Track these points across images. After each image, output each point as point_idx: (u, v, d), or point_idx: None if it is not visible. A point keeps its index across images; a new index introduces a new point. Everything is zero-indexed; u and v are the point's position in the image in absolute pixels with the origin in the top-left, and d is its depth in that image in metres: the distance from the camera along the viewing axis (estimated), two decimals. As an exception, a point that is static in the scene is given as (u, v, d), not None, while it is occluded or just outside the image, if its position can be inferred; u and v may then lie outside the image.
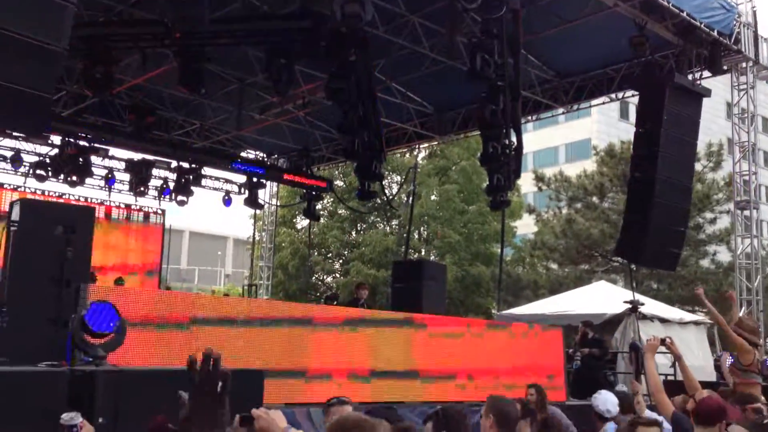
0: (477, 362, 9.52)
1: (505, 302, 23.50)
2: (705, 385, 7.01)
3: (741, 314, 13.72)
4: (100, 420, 4.94)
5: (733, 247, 18.99)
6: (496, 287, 24.37)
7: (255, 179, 17.80)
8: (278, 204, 24.54)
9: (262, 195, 19.07)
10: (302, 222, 29.55)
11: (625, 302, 13.65)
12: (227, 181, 19.62)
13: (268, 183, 19.53)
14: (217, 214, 44.96)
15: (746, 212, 15.30)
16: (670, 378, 11.07)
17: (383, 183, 15.42)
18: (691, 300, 25.02)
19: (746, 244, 15.31)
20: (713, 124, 35.38)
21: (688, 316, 16.58)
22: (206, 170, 17.99)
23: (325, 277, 32.06)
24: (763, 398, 6.71)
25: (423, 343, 9.00)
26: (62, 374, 4.90)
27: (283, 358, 7.58)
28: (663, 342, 5.60)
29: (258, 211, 21.03)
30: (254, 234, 27.04)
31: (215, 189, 19.58)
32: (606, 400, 5.97)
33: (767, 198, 50.67)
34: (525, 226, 32.91)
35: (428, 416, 4.25)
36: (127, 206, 19.19)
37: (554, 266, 28.64)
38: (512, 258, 30.23)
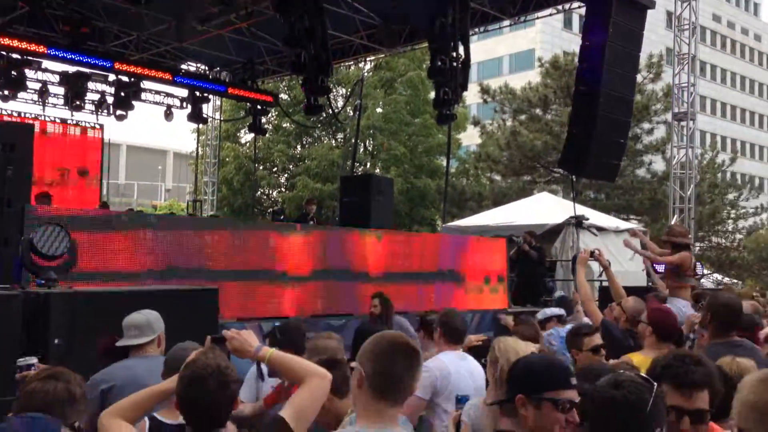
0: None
1: (449, 214, 23.93)
2: (637, 290, 7.39)
3: (672, 222, 14.45)
4: (56, 341, 4.97)
5: (669, 156, 19.64)
6: (441, 199, 24.70)
7: (198, 93, 17.29)
8: (222, 118, 24.04)
9: (206, 109, 18.60)
10: (246, 136, 29.09)
11: (572, 217, 14.10)
12: (168, 95, 19.02)
13: (212, 97, 19.03)
14: (156, 128, 43.52)
15: (683, 123, 15.77)
16: (605, 284, 11.64)
17: (329, 96, 15.13)
18: (626, 209, 26.03)
19: (682, 154, 15.87)
20: (653, 34, 35.64)
21: (623, 224, 17.24)
22: (146, 83, 17.34)
23: (270, 191, 31.96)
24: (691, 299, 7.17)
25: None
26: (16, 297, 4.87)
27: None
28: (592, 254, 5.90)
29: (201, 126, 20.54)
30: (197, 149, 26.52)
31: (156, 103, 18.99)
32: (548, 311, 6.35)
33: (701, 107, 52.14)
34: (469, 138, 33.14)
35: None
36: (63, 121, 18.53)
37: (498, 178, 29.12)
38: (456, 170, 30.57)
